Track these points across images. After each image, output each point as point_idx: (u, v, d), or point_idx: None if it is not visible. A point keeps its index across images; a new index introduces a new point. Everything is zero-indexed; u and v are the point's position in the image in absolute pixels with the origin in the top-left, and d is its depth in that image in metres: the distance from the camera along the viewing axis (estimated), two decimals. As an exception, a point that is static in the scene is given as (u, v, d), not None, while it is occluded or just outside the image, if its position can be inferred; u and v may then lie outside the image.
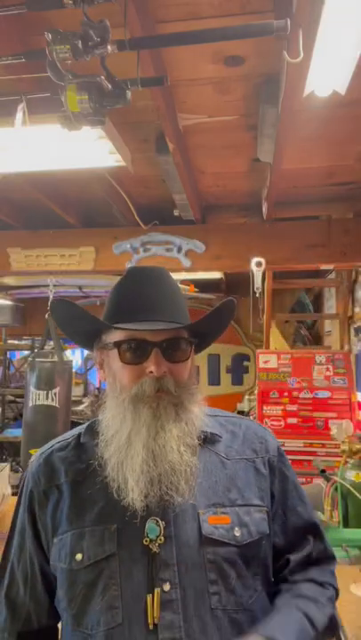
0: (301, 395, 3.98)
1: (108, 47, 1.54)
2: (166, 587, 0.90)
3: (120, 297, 1.04)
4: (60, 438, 1.12)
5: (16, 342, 7.07)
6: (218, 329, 1.13)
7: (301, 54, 1.68)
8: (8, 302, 6.35)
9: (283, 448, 1.14)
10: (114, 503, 0.95)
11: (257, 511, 1.00)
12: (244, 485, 1.01)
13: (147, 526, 0.93)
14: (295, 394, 3.99)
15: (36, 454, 1.12)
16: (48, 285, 4.51)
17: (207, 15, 1.87)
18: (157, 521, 0.93)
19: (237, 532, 0.96)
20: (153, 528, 0.93)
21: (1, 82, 2.00)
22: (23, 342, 6.98)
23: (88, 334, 1.07)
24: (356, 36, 1.59)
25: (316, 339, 5.94)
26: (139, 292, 1.02)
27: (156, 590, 0.89)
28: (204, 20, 1.87)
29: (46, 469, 1.06)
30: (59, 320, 1.08)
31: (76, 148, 2.43)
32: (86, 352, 7.32)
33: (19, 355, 7.57)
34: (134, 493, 0.92)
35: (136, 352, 0.98)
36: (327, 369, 4.01)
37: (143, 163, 3.07)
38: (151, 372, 0.96)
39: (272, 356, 4.14)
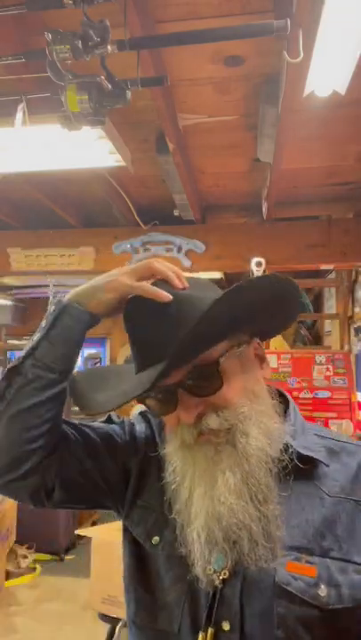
0: (301, 395, 3.97)
1: (108, 47, 1.54)
2: (226, 626, 0.75)
3: (129, 341, 0.85)
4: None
5: (16, 342, 7.07)
6: (273, 318, 0.91)
7: (301, 54, 1.68)
8: (8, 302, 6.35)
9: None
10: None
11: (357, 572, 0.76)
12: (345, 534, 0.77)
13: (213, 555, 0.77)
14: (295, 394, 3.97)
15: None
16: (48, 285, 4.52)
17: (207, 15, 1.87)
18: (227, 552, 0.76)
19: (323, 592, 0.74)
20: (220, 559, 0.77)
21: (1, 82, 2.00)
22: (23, 342, 6.97)
23: None
24: (356, 35, 1.59)
25: (316, 339, 5.93)
26: (142, 332, 0.82)
27: (212, 629, 0.75)
28: (204, 20, 1.87)
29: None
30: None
31: (76, 148, 2.43)
32: (87, 352, 7.32)
33: (19, 355, 7.56)
34: (198, 566, 0.77)
35: (160, 402, 0.82)
36: (327, 369, 4.00)
37: (143, 163, 3.07)
38: None
39: (272, 356, 4.13)
